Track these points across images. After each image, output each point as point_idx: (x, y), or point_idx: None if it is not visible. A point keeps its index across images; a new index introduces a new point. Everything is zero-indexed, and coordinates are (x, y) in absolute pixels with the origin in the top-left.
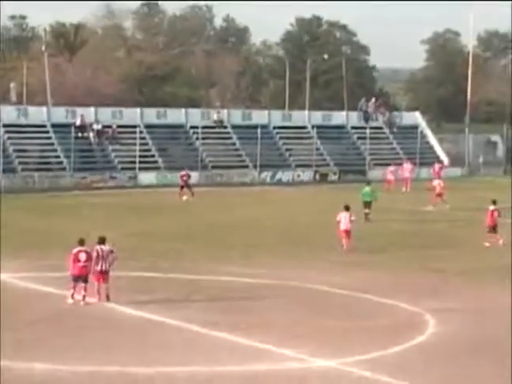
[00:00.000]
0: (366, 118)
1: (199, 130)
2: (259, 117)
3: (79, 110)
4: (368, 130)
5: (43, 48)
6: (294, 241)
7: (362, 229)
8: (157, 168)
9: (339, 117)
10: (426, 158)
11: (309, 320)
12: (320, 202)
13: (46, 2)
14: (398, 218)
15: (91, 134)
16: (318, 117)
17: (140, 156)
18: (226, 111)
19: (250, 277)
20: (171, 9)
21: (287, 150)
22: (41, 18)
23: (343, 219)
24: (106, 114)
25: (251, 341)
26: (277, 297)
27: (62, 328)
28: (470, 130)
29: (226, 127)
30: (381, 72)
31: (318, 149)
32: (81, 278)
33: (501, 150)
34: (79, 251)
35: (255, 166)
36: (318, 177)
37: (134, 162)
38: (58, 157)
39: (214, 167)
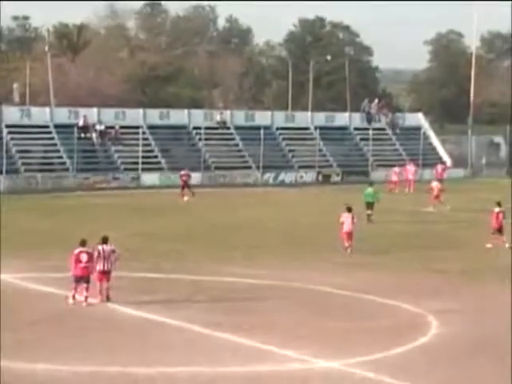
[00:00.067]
0: (369, 119)
1: (202, 131)
2: (262, 118)
3: (82, 111)
4: (371, 131)
5: (46, 48)
6: (297, 242)
7: (364, 230)
8: (160, 169)
9: (342, 118)
10: (429, 159)
11: (311, 321)
12: (323, 203)
13: (49, 3)
14: (400, 219)
15: (94, 135)
16: (320, 118)
17: (143, 157)
18: (228, 112)
19: (253, 278)
20: (174, 9)
21: (290, 151)
22: (44, 19)
23: (346, 220)
24: (109, 115)
25: (254, 341)
26: (279, 298)
27: (63, 328)
28: (473, 132)
29: (228, 128)
30: (384, 73)
31: (320, 150)
32: (82, 278)
33: (504, 152)
34: (80, 252)
35: (258, 167)
36: (320, 178)
37: (137, 163)
38: (61, 157)
39: (216, 168)
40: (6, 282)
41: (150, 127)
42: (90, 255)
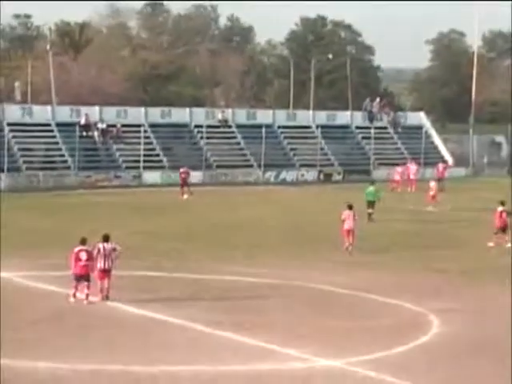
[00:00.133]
0: (371, 118)
1: (204, 130)
2: (264, 116)
3: (84, 109)
4: (372, 130)
5: (48, 47)
6: (298, 241)
7: (365, 229)
8: (161, 167)
9: (344, 117)
10: (431, 158)
11: (313, 320)
12: (324, 202)
13: (50, 1)
14: (401, 218)
15: (96, 133)
16: (322, 116)
17: (144, 155)
18: (230, 110)
19: (254, 276)
20: (176, 8)
21: (292, 149)
22: (46, 17)
23: (347, 218)
24: (111, 113)
25: (255, 340)
26: (281, 297)
27: (64, 327)
28: (475, 131)
29: (230, 126)
30: (385, 72)
31: (322, 148)
32: (82, 277)
33: (505, 151)
34: (80, 250)
35: (259, 166)
36: (322, 176)
37: (139, 161)
38: (63, 156)
39: (218, 166)
40: (7, 280)
41: (152, 126)
42: (90, 254)
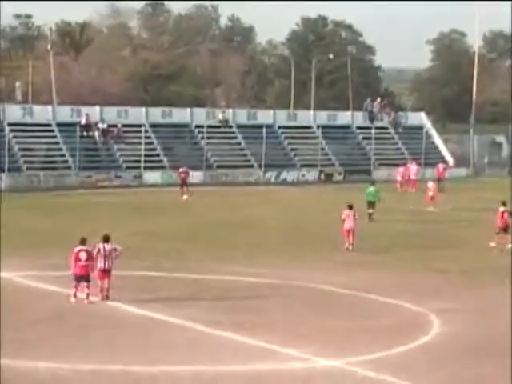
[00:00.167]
0: (372, 118)
1: (204, 130)
2: (264, 116)
3: (84, 109)
4: (373, 130)
5: (49, 47)
6: (298, 241)
7: (365, 229)
8: (162, 167)
9: (344, 117)
10: (431, 158)
11: (313, 320)
12: (324, 202)
13: (51, 2)
14: (401, 218)
15: (96, 133)
16: (323, 117)
17: (145, 155)
18: (231, 111)
19: (254, 276)
20: (176, 8)
21: (292, 149)
22: (46, 17)
23: (347, 218)
24: (112, 113)
25: (255, 340)
26: (281, 297)
27: (65, 327)
28: (475, 131)
29: (231, 127)
30: (386, 72)
31: (323, 149)
32: (82, 277)
33: (506, 151)
34: (80, 250)
35: (260, 166)
36: (322, 177)
37: (139, 161)
38: (64, 156)
39: (218, 167)
40: (8, 280)
41: (153, 126)
42: (90, 254)
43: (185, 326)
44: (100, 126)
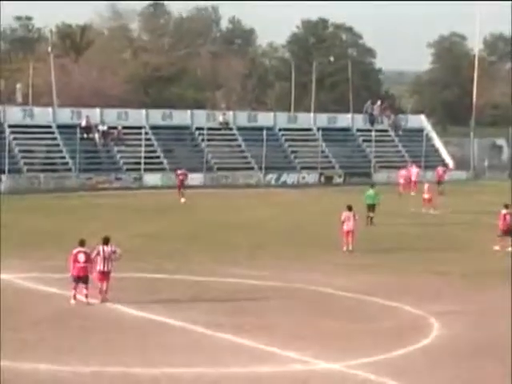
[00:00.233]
0: (372, 121)
1: (205, 132)
2: (265, 119)
3: (85, 111)
4: (373, 133)
5: (49, 49)
6: (299, 243)
7: (365, 231)
8: (162, 169)
9: (345, 119)
10: (431, 161)
11: (313, 322)
12: (325, 205)
13: (51, 3)
14: (402, 220)
15: (97, 135)
16: (323, 119)
17: (145, 157)
18: (231, 113)
19: (255, 279)
20: (176, 9)
21: (292, 152)
22: (47, 19)
23: (347, 219)
24: (112, 115)
25: (256, 343)
26: (281, 299)
27: (65, 329)
28: (476, 134)
29: (231, 129)
30: (386, 74)
31: (323, 151)
32: (80, 278)
33: (506, 154)
34: (78, 252)
35: (260, 168)
36: (323, 179)
37: (140, 163)
38: (64, 158)
39: (219, 169)
40: (8, 282)
41: (153, 128)
42: (88, 255)
43: (185, 328)
44: (100, 128)
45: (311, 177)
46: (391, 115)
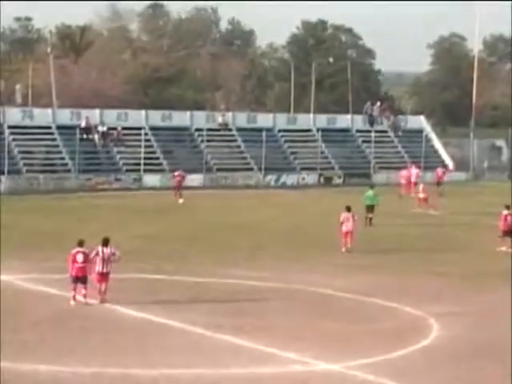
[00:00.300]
0: (371, 122)
1: (204, 133)
2: (264, 120)
3: (84, 112)
4: (373, 134)
5: (49, 50)
6: (299, 244)
7: (364, 232)
8: (161, 170)
9: (344, 120)
10: (431, 162)
11: (313, 323)
12: (324, 206)
13: (51, 4)
14: (401, 221)
15: (96, 136)
16: (323, 120)
17: (145, 158)
18: (231, 114)
19: (255, 280)
20: (176, 9)
21: (292, 153)
22: (46, 20)
23: (346, 220)
24: (111, 116)
25: (255, 344)
26: (281, 300)
27: (65, 329)
28: (475, 135)
29: (231, 130)
30: (386, 75)
31: (322, 152)
32: (79, 278)
33: (506, 155)
34: (77, 252)
35: (260, 169)
36: (322, 180)
37: (139, 164)
38: (63, 158)
39: (218, 170)
40: (8, 283)
41: (152, 129)
42: (87, 255)
43: (185, 329)
44: (100, 128)
45: (311, 178)
46: (391, 116)
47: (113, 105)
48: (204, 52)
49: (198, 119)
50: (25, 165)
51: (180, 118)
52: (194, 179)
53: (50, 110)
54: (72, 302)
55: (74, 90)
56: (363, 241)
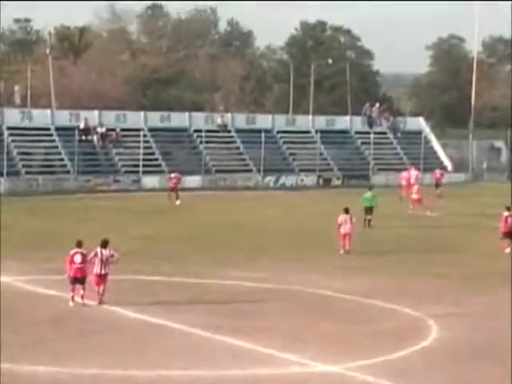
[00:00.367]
0: (370, 123)
1: (203, 134)
2: (263, 121)
3: (83, 113)
4: (372, 135)
5: (48, 51)
6: (298, 245)
7: (364, 233)
8: (160, 172)
9: (343, 122)
10: (430, 163)
11: (312, 324)
12: (323, 207)
13: (50, 5)
14: (400, 223)
15: (95, 137)
16: (321, 121)
17: (144, 159)
18: (229, 115)
19: (254, 281)
20: (175, 9)
21: (291, 154)
22: (45, 21)
23: (344, 222)
24: (110, 118)
25: (254, 345)
26: (280, 301)
27: (65, 331)
28: (474, 136)
29: (229, 131)
30: (385, 77)
31: (321, 153)
32: (77, 279)
33: (505, 156)
34: (75, 253)
35: (259, 171)
36: (321, 181)
37: (138, 166)
38: (62, 160)
39: (217, 171)
40: (7, 284)
41: (151, 130)
42: (85, 256)
43: (184, 331)
44: (99, 130)
45: (309, 179)
46: (390, 117)
47: (112, 106)
48: (203, 53)
49: (197, 120)
50: (24, 166)
51: (179, 119)
52: (193, 180)
53: (48, 111)
54: (71, 303)
55: (72, 91)
56: (362, 242)
